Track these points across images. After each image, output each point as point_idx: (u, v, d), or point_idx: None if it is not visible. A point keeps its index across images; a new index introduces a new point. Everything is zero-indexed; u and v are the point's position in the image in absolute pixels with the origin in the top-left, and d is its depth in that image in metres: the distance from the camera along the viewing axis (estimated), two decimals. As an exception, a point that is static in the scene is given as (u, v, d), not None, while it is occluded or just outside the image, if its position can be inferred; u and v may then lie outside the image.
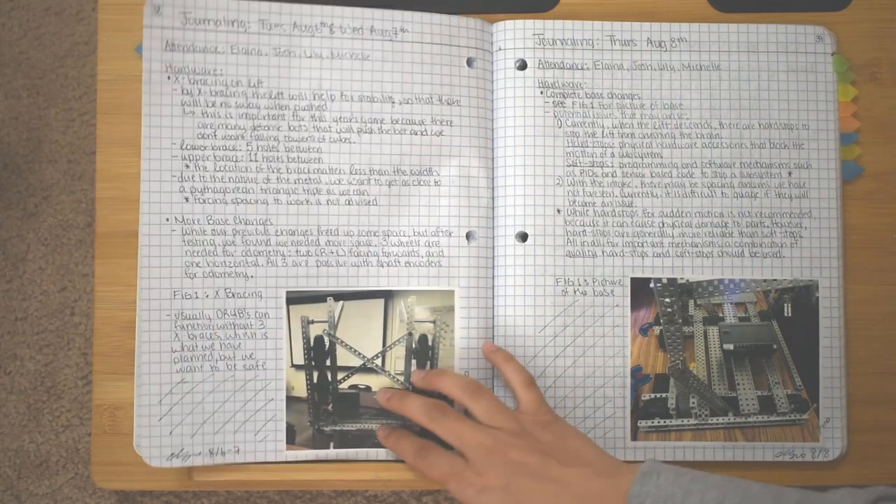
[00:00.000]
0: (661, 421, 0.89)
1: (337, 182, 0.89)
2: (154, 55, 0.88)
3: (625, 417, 0.89)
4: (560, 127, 0.90)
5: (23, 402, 0.94)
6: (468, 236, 0.89)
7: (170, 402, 0.87)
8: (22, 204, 0.95)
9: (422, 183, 0.89)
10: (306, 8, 0.90)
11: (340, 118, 0.90)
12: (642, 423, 0.89)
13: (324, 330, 0.89)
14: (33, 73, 0.97)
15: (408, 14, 0.90)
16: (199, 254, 0.88)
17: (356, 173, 0.89)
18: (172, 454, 0.87)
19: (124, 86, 0.92)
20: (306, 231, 0.89)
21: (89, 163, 0.96)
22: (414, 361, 0.89)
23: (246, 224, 0.88)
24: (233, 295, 0.88)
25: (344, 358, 0.89)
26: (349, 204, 0.89)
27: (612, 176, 0.90)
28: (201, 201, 0.88)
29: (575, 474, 0.77)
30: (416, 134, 0.89)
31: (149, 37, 0.88)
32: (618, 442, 0.89)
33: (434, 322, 0.89)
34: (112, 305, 0.90)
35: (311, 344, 0.89)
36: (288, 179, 0.89)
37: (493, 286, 0.90)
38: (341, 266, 0.89)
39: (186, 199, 0.88)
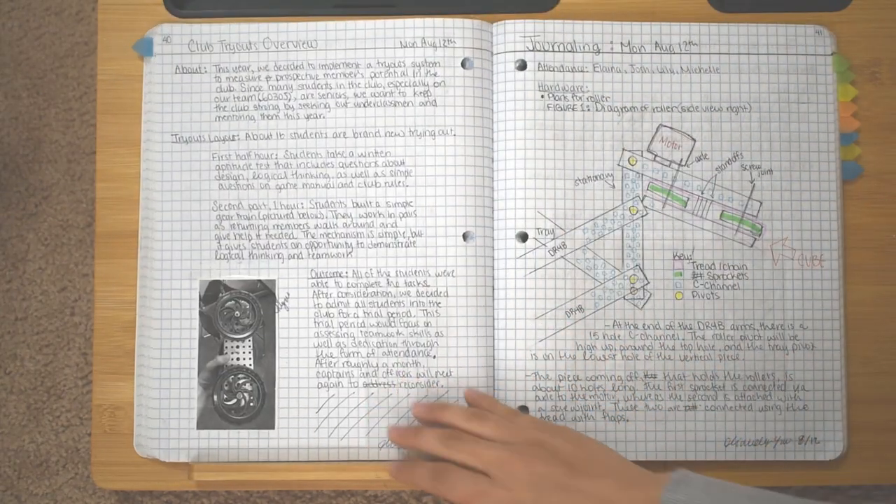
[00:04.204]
0: (663, 420, 0.89)
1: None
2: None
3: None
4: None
5: (23, 402, 0.94)
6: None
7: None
8: (22, 204, 0.95)
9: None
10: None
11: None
12: (643, 423, 0.89)
13: (324, 330, 0.90)
14: (33, 73, 0.97)
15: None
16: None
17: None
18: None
19: (124, 86, 0.92)
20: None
21: (89, 163, 0.96)
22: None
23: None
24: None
25: (343, 358, 0.90)
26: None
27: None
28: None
29: (603, 485, 0.76)
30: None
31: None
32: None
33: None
34: (112, 305, 0.91)
35: (312, 344, 0.90)
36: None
37: (493, 286, 0.90)
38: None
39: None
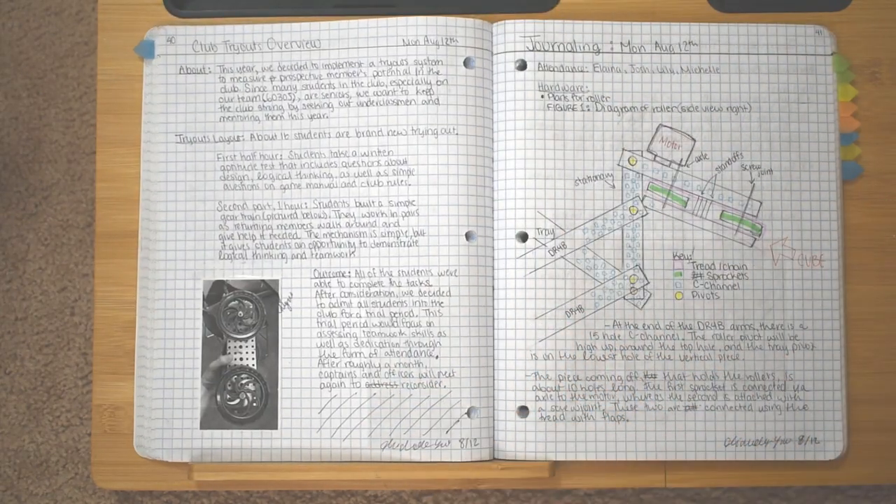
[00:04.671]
0: (662, 420, 0.89)
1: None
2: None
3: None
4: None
5: (23, 402, 0.94)
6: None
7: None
8: (22, 204, 0.95)
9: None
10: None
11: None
12: (643, 423, 0.89)
13: (324, 330, 0.90)
14: (33, 73, 0.97)
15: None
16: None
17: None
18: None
19: (124, 86, 0.92)
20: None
21: (89, 163, 0.96)
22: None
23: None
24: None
25: (344, 358, 0.90)
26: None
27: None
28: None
29: None
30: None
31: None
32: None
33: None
34: (112, 305, 0.91)
35: (311, 344, 0.90)
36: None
37: (493, 286, 0.90)
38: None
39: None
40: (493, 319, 0.90)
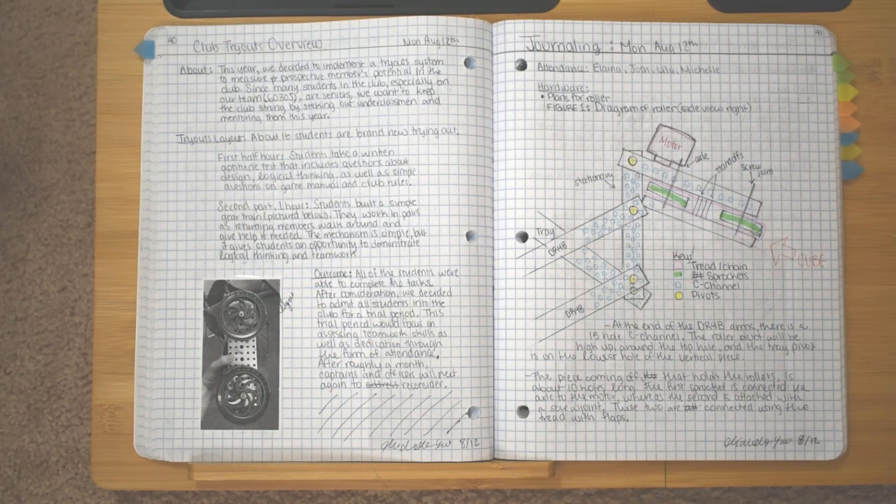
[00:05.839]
0: (662, 420, 0.89)
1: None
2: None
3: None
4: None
5: (23, 402, 0.94)
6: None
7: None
8: (22, 204, 0.95)
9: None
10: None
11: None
12: (643, 423, 0.89)
13: (324, 330, 0.90)
14: (33, 73, 0.97)
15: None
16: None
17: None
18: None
19: (124, 86, 0.92)
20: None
21: (89, 163, 0.96)
22: (414, 362, 0.89)
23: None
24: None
25: (344, 358, 0.90)
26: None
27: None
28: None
29: None
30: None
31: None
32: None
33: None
34: (112, 305, 0.91)
35: (311, 344, 0.90)
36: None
37: (493, 286, 0.90)
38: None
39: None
40: (494, 319, 0.90)
